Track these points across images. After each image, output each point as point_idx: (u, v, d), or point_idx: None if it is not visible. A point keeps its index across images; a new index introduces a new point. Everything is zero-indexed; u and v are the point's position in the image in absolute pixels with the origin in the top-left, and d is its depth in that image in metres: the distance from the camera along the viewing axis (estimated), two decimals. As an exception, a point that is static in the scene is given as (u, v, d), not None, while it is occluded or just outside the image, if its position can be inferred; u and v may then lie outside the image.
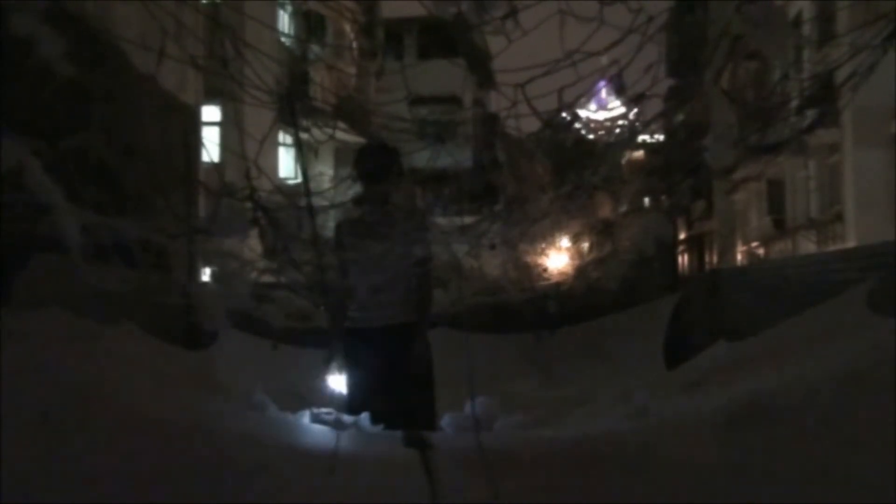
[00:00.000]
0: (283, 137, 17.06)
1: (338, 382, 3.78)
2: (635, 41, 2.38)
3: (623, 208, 3.68)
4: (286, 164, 18.07)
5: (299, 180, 2.93)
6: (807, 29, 13.73)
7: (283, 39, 17.24)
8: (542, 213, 2.70)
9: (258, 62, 3.01)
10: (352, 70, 22.14)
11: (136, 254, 2.60)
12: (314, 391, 4.06)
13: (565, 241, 6.90)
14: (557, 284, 7.42)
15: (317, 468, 2.26)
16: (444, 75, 19.72)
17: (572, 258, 7.51)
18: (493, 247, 2.89)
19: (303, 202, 2.97)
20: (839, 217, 16.74)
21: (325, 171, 18.38)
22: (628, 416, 3.55)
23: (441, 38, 21.75)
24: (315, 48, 19.49)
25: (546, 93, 2.51)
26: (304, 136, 3.33)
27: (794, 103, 2.69)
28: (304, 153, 3.10)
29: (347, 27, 22.55)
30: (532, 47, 2.89)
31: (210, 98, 8.09)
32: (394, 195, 3.78)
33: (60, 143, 2.44)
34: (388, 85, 22.00)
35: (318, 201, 3.30)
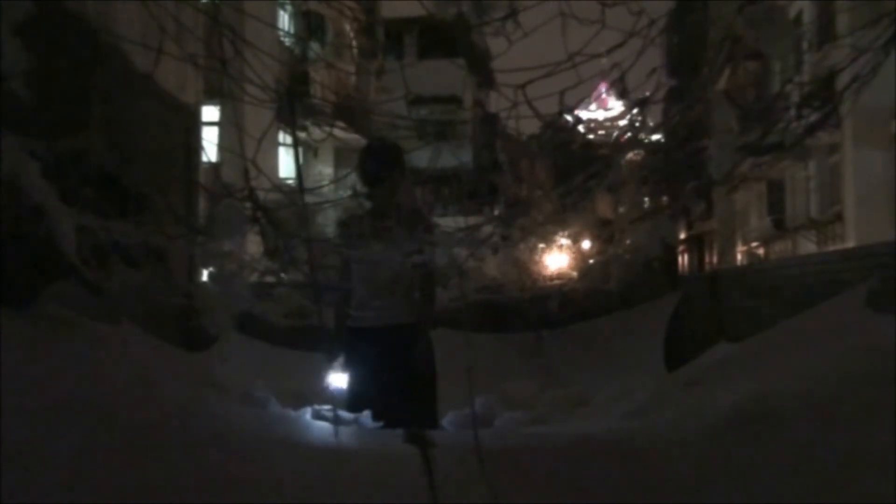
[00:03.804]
0: (284, 137, 17.04)
1: (339, 381, 3.78)
2: (636, 44, 2.37)
3: (623, 209, 3.66)
4: (287, 164, 18.06)
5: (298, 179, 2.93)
6: (807, 30, 13.71)
7: (283, 39, 17.22)
8: (543, 215, 2.69)
9: (258, 61, 3.00)
10: (352, 70, 22.12)
11: (136, 255, 2.59)
12: (314, 390, 4.06)
13: (566, 242, 6.88)
14: (560, 286, 7.41)
15: (317, 464, 2.26)
16: (444, 75, 19.76)
17: (574, 259, 7.49)
18: (495, 251, 2.88)
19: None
20: (839, 217, 16.74)
21: (324, 170, 18.40)
22: (628, 416, 3.55)
23: (441, 38, 21.74)
24: (315, 48, 19.46)
25: (547, 94, 2.50)
26: (302, 135, 3.33)
27: (795, 106, 2.67)
28: (297, 152, 3.07)
29: (347, 27, 22.53)
30: (533, 48, 2.88)
31: (210, 98, 8.08)
32: (397, 194, 3.77)
33: (59, 143, 2.43)
34: (388, 85, 22.02)
35: (317, 200, 3.29)
